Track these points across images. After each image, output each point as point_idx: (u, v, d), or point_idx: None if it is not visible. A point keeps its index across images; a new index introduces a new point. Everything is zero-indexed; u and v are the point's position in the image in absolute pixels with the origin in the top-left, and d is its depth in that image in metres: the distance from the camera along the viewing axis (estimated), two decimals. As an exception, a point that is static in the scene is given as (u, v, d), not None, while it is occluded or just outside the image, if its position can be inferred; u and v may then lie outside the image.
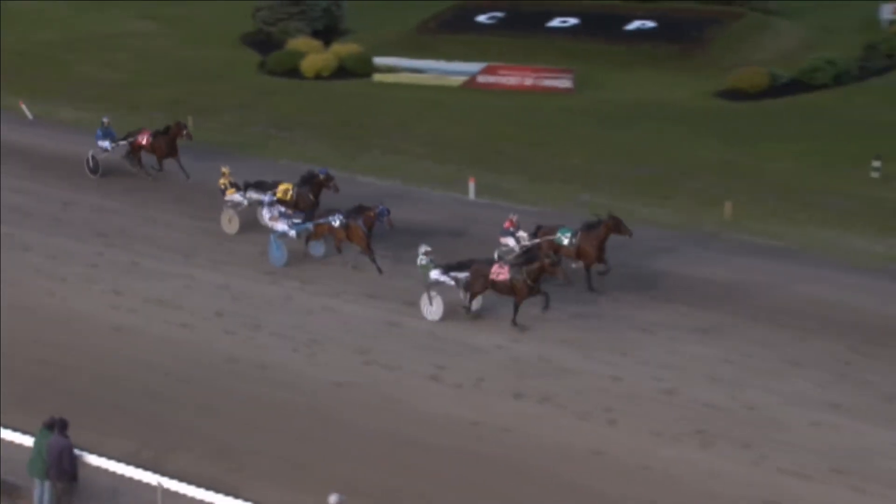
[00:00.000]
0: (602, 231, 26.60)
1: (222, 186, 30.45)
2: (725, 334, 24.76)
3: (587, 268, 26.74)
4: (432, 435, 21.65)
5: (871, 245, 29.21)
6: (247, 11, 50.45)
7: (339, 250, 28.44)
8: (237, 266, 28.83)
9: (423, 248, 26.03)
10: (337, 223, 27.86)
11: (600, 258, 26.62)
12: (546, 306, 24.81)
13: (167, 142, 33.66)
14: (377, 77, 44.48)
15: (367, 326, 25.74)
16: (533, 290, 24.76)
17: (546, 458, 20.89)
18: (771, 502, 19.55)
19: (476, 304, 25.83)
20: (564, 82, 42.35)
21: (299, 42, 46.84)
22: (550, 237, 26.94)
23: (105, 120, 34.64)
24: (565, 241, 26.63)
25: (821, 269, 27.79)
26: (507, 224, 27.77)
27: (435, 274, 25.72)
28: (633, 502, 19.63)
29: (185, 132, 33.70)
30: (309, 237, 28.58)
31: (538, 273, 24.66)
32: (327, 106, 41.59)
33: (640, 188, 33.21)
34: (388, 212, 27.64)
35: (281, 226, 28.65)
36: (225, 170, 30.68)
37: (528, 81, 42.74)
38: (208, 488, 18.68)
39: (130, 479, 19.18)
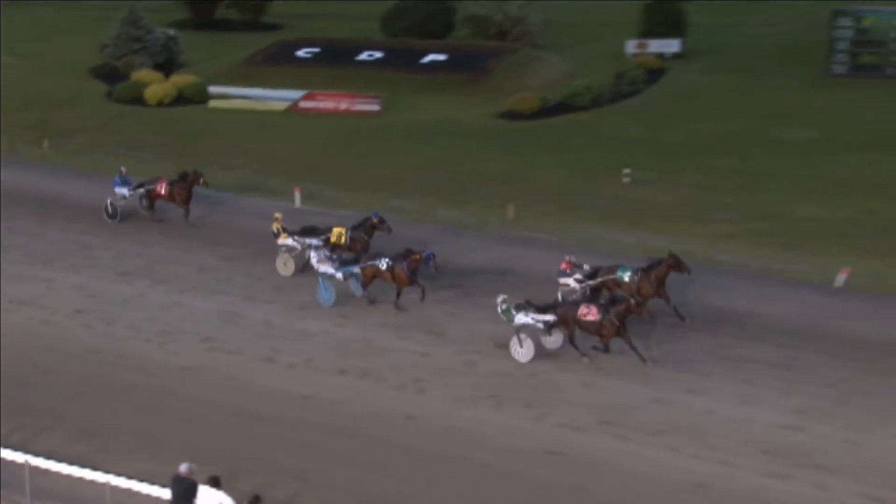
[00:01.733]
0: (663, 269, 24.33)
1: (275, 231, 27.26)
2: (514, 314, 24.96)
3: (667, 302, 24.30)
4: (269, 407, 21.33)
5: (624, 237, 29.82)
6: (95, 47, 49.01)
7: (365, 288, 25.66)
8: (95, 269, 27.92)
9: (500, 297, 23.26)
10: (384, 266, 25.25)
11: (660, 294, 24.31)
12: (639, 355, 22.58)
13: (184, 189, 30.33)
14: (212, 103, 43.75)
15: (211, 318, 25.21)
16: (620, 330, 22.46)
17: (368, 423, 20.82)
18: (551, 451, 19.84)
19: (558, 340, 23.25)
20: (373, 106, 42.35)
21: (142, 74, 45.81)
22: (612, 276, 24.56)
23: (123, 169, 31.41)
24: (626, 279, 24.29)
25: (587, 258, 28.23)
26: (564, 265, 25.04)
27: (520, 317, 23.02)
28: (444, 456, 19.73)
29: (201, 180, 30.35)
30: (363, 282, 25.51)
31: (625, 313, 22.40)
32: (169, 129, 40.71)
33: (440, 194, 33.35)
34: (434, 256, 25.12)
35: (326, 268, 25.69)
36: (277, 215, 27.46)
37: (343, 106, 42.62)
38: (76, 465, 18.07)
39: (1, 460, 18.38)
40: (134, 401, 21.62)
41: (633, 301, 22.44)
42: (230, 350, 23.74)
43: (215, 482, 16.64)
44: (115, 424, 20.71)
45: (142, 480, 17.65)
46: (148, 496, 17.51)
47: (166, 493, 17.04)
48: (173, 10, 56.33)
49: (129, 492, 17.64)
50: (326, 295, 25.59)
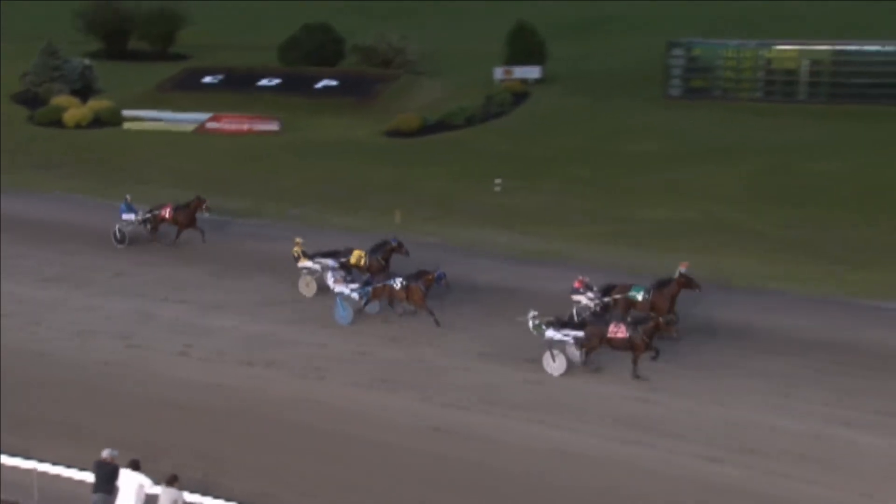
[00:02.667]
0: (674, 287, 23.07)
1: (295, 255, 25.51)
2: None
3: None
4: (183, 397, 20.80)
5: (497, 238, 29.93)
6: (16, 75, 47.27)
7: (392, 305, 24.27)
8: (20, 276, 26.74)
9: (531, 313, 21.82)
10: (398, 286, 23.84)
11: (671, 311, 22.90)
12: (656, 357, 21.33)
13: (188, 214, 28.55)
14: (126, 125, 42.69)
15: (129, 318, 24.45)
16: (649, 346, 21.21)
17: (273, 407, 20.45)
18: (438, 428, 19.79)
19: (583, 354, 21.84)
20: (273, 126, 41.84)
21: (61, 99, 44.48)
22: (625, 293, 23.23)
23: (128, 197, 29.07)
24: (639, 298, 23.04)
25: (465, 257, 28.25)
26: (576, 284, 23.51)
27: (551, 333, 21.62)
28: (342, 435, 19.49)
29: (205, 206, 28.58)
30: (369, 299, 24.14)
31: (653, 331, 21.14)
32: (87, 149, 39.53)
33: (336, 203, 32.98)
34: (445, 275, 23.82)
35: (342, 288, 24.10)
36: (298, 240, 25.67)
37: (245, 126, 42.01)
38: (5, 454, 17.34)
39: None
40: (58, 395, 20.85)
41: (661, 320, 21.27)
42: (147, 346, 23.04)
43: (135, 465, 16.28)
44: (42, 416, 19.91)
45: (67, 466, 17.05)
46: (73, 480, 16.91)
47: (90, 477, 16.51)
48: (89, 41, 54.97)
49: (56, 477, 17.02)
50: (343, 313, 24.08)
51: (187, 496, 16.29)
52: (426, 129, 41.55)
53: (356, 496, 17.53)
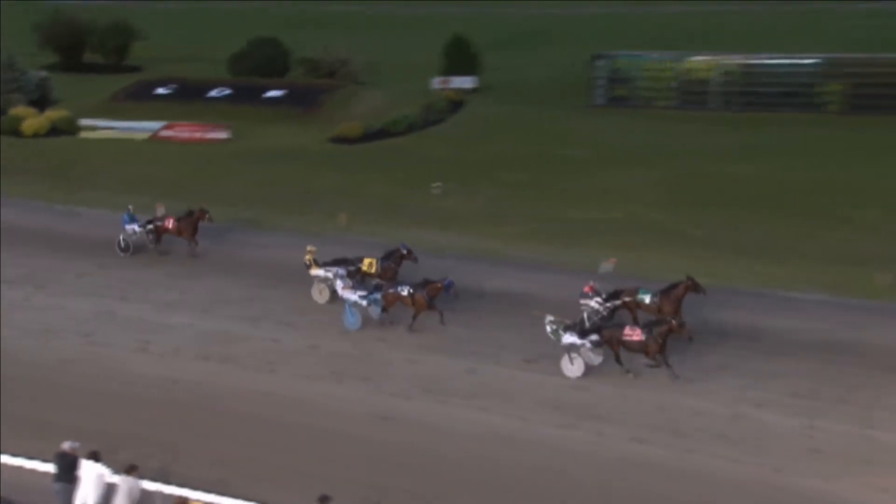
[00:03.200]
0: (681, 290, 22.58)
1: (307, 263, 24.72)
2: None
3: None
4: (143, 391, 20.57)
5: (437, 238, 29.80)
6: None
7: (385, 312, 23.45)
8: (-19, 278, 26.22)
9: (548, 318, 21.46)
10: (405, 293, 23.24)
11: (677, 314, 22.26)
12: (672, 371, 20.94)
13: (191, 224, 27.47)
14: (83, 134, 41.82)
15: (89, 317, 24.05)
16: (662, 349, 20.82)
17: (229, 400, 20.30)
18: (384, 416, 19.81)
19: (598, 357, 21.45)
20: (223, 135, 41.33)
21: (19, 109, 43.34)
22: (633, 296, 22.74)
23: (130, 207, 28.10)
24: (647, 300, 22.61)
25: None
26: (587, 289, 23.06)
27: (568, 338, 21.11)
28: (295, 425, 19.43)
29: (207, 216, 27.50)
30: (384, 306, 23.34)
31: (667, 334, 20.77)
32: (44, 157, 38.62)
33: (284, 206, 32.61)
34: (453, 284, 23.06)
35: (350, 295, 23.50)
36: (311, 248, 24.86)
37: (198, 134, 41.46)
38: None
39: None
40: (21, 390, 20.39)
41: (675, 323, 20.93)
42: (106, 343, 22.72)
43: (95, 456, 16.14)
44: (6, 411, 19.44)
45: (29, 458, 16.72)
46: (35, 471, 16.63)
47: (52, 468, 16.32)
48: (45, 54, 53.92)
49: (19, 468, 16.76)
50: (352, 319, 23.42)
51: (145, 485, 16.14)
52: (369, 136, 41.38)
53: (307, 482, 17.45)
